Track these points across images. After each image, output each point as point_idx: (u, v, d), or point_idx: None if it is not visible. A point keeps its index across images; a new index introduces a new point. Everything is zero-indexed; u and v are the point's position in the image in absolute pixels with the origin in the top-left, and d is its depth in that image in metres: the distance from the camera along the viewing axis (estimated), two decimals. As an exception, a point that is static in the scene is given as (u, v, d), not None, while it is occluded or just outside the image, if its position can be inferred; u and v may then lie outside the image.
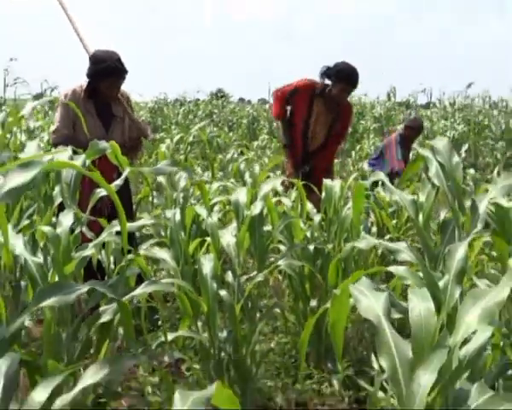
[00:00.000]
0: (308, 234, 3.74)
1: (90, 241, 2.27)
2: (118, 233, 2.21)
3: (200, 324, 3.02)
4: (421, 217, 2.28)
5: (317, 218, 3.75)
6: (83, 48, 4.22)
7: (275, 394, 3.32)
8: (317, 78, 5.26)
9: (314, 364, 3.66)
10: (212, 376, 3.03)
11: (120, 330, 2.61)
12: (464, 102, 16.35)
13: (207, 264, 2.98)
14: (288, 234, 3.69)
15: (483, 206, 2.18)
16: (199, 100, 21.96)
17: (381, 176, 2.44)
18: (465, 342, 1.51)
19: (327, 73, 5.14)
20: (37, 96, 18.09)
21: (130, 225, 2.29)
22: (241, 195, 3.20)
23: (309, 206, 3.87)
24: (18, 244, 2.16)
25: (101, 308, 2.09)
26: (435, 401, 1.38)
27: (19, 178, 1.58)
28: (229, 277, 3.09)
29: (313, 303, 3.61)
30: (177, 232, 3.08)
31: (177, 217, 3.12)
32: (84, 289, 1.64)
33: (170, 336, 2.86)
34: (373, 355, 2.76)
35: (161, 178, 5.07)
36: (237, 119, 18.43)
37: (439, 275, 1.83)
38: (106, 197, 2.39)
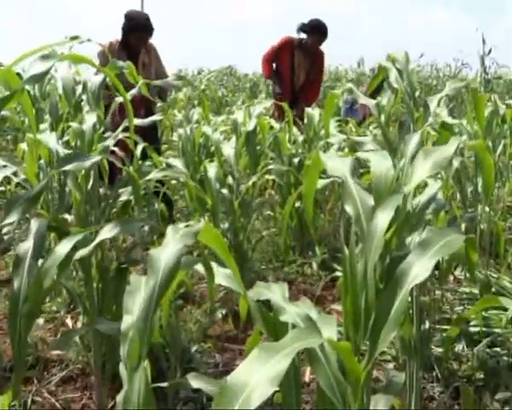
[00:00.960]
0: (293, 151, 3.57)
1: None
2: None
3: (206, 217, 2.88)
4: (383, 117, 2.11)
5: (301, 138, 3.58)
6: None
7: (267, 273, 3.21)
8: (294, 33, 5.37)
9: (298, 253, 3.56)
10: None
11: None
12: (417, 68, 16.00)
13: (212, 169, 2.84)
14: (278, 151, 3.53)
15: (434, 104, 2.00)
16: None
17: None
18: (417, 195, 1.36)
19: (302, 28, 5.22)
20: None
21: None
22: (238, 114, 3.05)
23: (294, 129, 3.70)
24: (52, 140, 1.99)
25: (120, 190, 1.94)
26: (391, 240, 1.23)
27: (39, 67, 1.41)
28: (230, 180, 2.95)
29: (297, 204, 3.46)
30: (187, 145, 2.93)
31: (188, 132, 2.96)
32: (98, 158, 1.48)
33: (181, 225, 2.72)
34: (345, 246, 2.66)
35: (180, 117, 4.88)
36: (242, 84, 18.13)
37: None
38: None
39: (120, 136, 2.04)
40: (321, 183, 2.06)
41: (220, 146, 2.95)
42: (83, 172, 1.88)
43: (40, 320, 2.55)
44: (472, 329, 2.46)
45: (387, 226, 1.17)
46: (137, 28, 3.95)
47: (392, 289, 1.09)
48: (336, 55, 17.69)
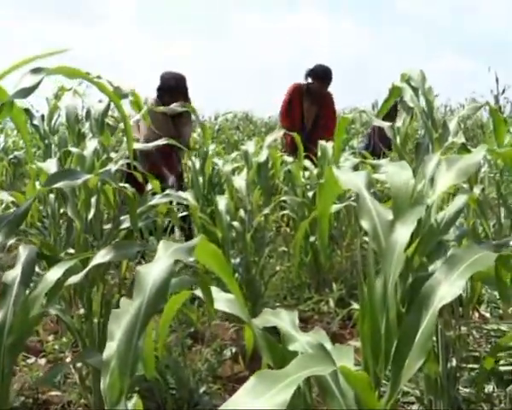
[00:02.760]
0: (307, 184, 3.44)
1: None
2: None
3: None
4: (398, 139, 1.98)
5: (315, 171, 3.45)
6: None
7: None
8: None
9: (314, 290, 3.38)
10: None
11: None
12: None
13: (222, 202, 2.72)
14: (291, 184, 3.41)
15: (453, 124, 1.88)
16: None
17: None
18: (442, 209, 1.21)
19: (308, 74, 5.35)
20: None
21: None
22: (249, 146, 2.94)
23: (308, 163, 3.58)
24: (52, 167, 1.89)
25: (121, 218, 1.82)
26: (413, 258, 1.08)
27: (29, 81, 1.32)
28: (242, 213, 2.82)
29: (312, 239, 3.31)
30: (196, 177, 2.82)
31: (197, 165, 2.86)
32: (89, 176, 1.36)
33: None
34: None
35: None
36: (257, 129, 18.26)
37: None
38: None
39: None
40: (335, 207, 1.92)
41: (231, 178, 2.84)
42: (81, 199, 1.77)
43: (42, 360, 2.40)
44: (502, 368, 2.26)
45: (409, 242, 1.02)
46: (169, 92, 4.02)
47: (417, 311, 0.93)
48: (350, 98, 17.76)
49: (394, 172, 1.14)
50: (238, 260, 2.70)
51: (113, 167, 1.83)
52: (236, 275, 2.69)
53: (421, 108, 1.82)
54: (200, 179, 2.80)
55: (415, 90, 1.85)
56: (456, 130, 1.85)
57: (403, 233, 1.00)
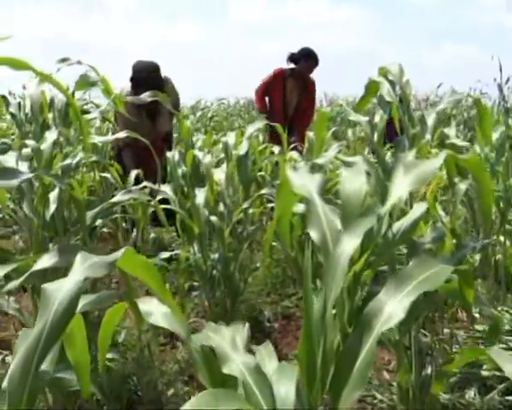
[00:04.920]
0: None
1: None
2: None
3: (195, 247, 2.65)
4: (376, 135, 1.88)
5: (301, 161, 3.35)
6: None
7: (263, 307, 2.95)
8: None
9: (300, 286, 3.31)
10: (206, 290, 2.67)
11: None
12: (436, 99, 15.83)
13: (200, 195, 2.63)
14: (277, 177, 3.31)
15: (431, 119, 1.78)
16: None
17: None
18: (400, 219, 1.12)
19: (292, 57, 5.31)
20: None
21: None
22: (230, 137, 2.84)
23: (295, 155, 3.47)
24: (11, 161, 1.80)
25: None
26: (362, 272, 0.99)
27: None
28: (221, 207, 2.73)
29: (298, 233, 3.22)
30: (175, 169, 2.73)
31: (176, 157, 2.76)
32: (29, 175, 1.27)
33: (165, 254, 2.50)
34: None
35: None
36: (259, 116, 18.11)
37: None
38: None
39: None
40: (300, 208, 1.83)
41: (211, 171, 2.74)
42: (38, 195, 1.68)
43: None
44: (484, 373, 2.18)
45: (359, 255, 0.93)
46: (140, 83, 3.78)
47: (359, 334, 0.85)
48: (355, 87, 17.56)
49: (347, 178, 1.04)
50: (216, 255, 2.61)
51: (73, 162, 1.74)
52: (214, 271, 2.61)
53: (398, 102, 1.72)
54: (180, 172, 2.71)
55: (392, 84, 1.75)
56: (433, 125, 1.75)
57: (348, 246, 0.91)
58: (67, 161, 1.70)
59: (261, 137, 5.35)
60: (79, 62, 2.08)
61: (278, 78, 5.39)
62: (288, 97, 5.40)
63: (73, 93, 1.98)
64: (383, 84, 1.77)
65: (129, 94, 3.77)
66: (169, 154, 2.81)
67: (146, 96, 1.96)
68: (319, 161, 1.75)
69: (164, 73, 4.12)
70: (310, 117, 5.48)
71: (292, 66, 5.37)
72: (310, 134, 3.48)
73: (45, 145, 1.72)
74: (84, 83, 2.00)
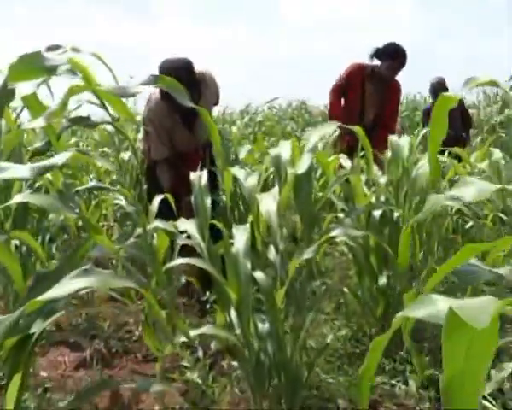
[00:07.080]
0: (373, 200, 2.37)
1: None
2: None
3: (233, 315, 1.73)
4: None
5: (383, 180, 2.37)
6: None
7: (335, 395, 1.99)
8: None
9: (384, 352, 2.31)
10: (250, 381, 1.75)
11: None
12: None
13: (240, 237, 1.69)
14: (350, 203, 2.36)
15: None
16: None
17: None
18: None
19: (376, 53, 4.03)
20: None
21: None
22: (283, 148, 1.88)
23: (374, 169, 2.49)
24: None
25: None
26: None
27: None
28: (272, 254, 1.79)
29: (382, 281, 2.25)
30: (202, 198, 1.80)
31: (203, 180, 1.83)
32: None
33: (192, 333, 1.62)
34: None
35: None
36: (313, 119, 17.11)
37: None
38: None
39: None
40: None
41: (256, 198, 1.83)
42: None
43: None
44: None
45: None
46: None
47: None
48: (412, 83, 16.33)
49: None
50: (265, 330, 1.69)
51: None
52: (262, 356, 1.68)
53: None
54: (208, 202, 1.79)
55: None
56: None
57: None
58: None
59: (321, 145, 4.27)
60: (75, 49, 1.21)
61: (357, 75, 4.13)
62: (367, 103, 4.15)
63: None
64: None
65: (158, 100, 3.01)
66: (193, 175, 1.88)
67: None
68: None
69: (203, 68, 3.25)
70: (392, 130, 4.10)
71: (376, 62, 4.12)
72: (392, 138, 2.51)
73: None
74: (31, 68, 1.15)
